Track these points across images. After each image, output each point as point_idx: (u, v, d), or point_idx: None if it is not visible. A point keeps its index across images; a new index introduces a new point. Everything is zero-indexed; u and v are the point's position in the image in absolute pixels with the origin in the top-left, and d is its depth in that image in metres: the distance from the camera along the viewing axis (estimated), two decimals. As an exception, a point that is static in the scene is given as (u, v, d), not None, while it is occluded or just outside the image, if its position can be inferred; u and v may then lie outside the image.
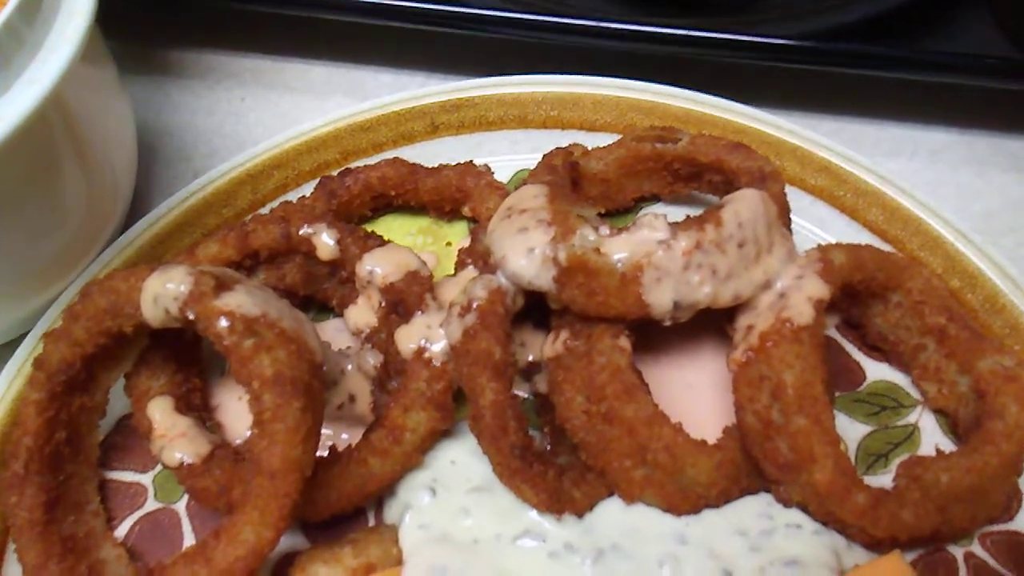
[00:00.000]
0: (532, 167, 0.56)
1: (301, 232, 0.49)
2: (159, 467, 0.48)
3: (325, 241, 0.49)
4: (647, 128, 0.55)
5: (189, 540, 0.46)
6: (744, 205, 0.45)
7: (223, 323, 0.40)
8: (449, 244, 0.56)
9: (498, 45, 0.65)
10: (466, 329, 0.44)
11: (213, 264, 0.49)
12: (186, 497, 0.47)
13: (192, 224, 0.54)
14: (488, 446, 0.42)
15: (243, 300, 0.41)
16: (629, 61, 0.62)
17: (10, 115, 0.41)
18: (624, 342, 0.45)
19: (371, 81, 0.67)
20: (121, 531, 0.47)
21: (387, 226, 0.57)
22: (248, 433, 0.48)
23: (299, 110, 0.66)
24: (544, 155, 0.54)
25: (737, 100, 0.59)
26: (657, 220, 0.45)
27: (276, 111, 0.66)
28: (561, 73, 0.61)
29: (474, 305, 0.44)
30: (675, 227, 0.44)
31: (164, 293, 0.41)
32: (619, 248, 0.43)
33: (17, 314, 0.51)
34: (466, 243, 0.55)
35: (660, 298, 0.43)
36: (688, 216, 0.46)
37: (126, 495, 0.48)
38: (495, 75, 0.61)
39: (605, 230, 0.45)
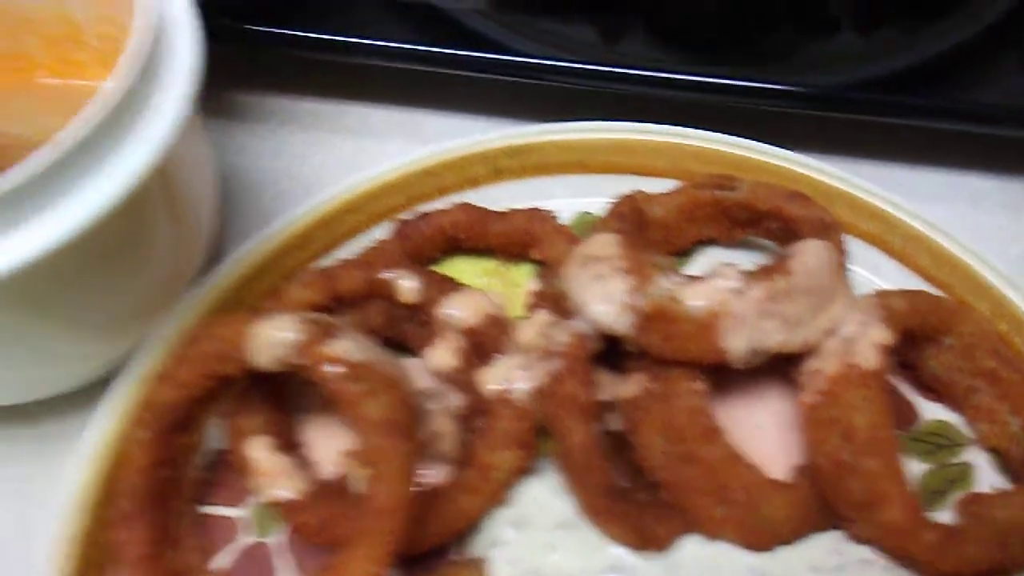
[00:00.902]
0: (590, 209, 0.60)
1: (383, 277, 0.52)
2: (251, 502, 0.50)
3: (406, 285, 0.52)
4: (706, 176, 0.58)
5: (281, 574, 0.49)
6: (811, 256, 0.48)
7: (332, 369, 0.42)
8: (517, 286, 0.58)
9: (553, 91, 0.68)
10: (552, 372, 0.46)
11: (301, 308, 0.51)
12: (279, 532, 0.49)
13: (270, 267, 0.56)
14: (577, 485, 0.45)
15: (349, 347, 0.43)
16: (680, 107, 0.65)
17: (123, 175, 0.43)
18: (700, 385, 0.47)
19: (430, 125, 0.70)
20: (215, 565, 0.49)
21: (456, 268, 0.59)
22: (334, 470, 0.51)
23: (362, 153, 0.68)
24: (612, 203, 0.56)
25: (781, 145, 0.61)
26: (729, 270, 0.47)
27: (340, 154, 0.68)
28: (614, 118, 0.64)
29: (559, 349, 0.47)
30: (747, 277, 0.47)
31: (275, 340, 0.43)
32: (696, 296, 0.46)
33: (103, 357, 0.53)
34: (534, 286, 0.57)
35: (736, 344, 0.46)
36: (754, 263, 0.49)
37: (220, 529, 0.50)
38: (551, 119, 0.64)
39: (680, 278, 0.48)
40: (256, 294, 0.56)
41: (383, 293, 0.52)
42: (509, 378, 0.49)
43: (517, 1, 0.69)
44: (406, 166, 0.60)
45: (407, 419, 0.42)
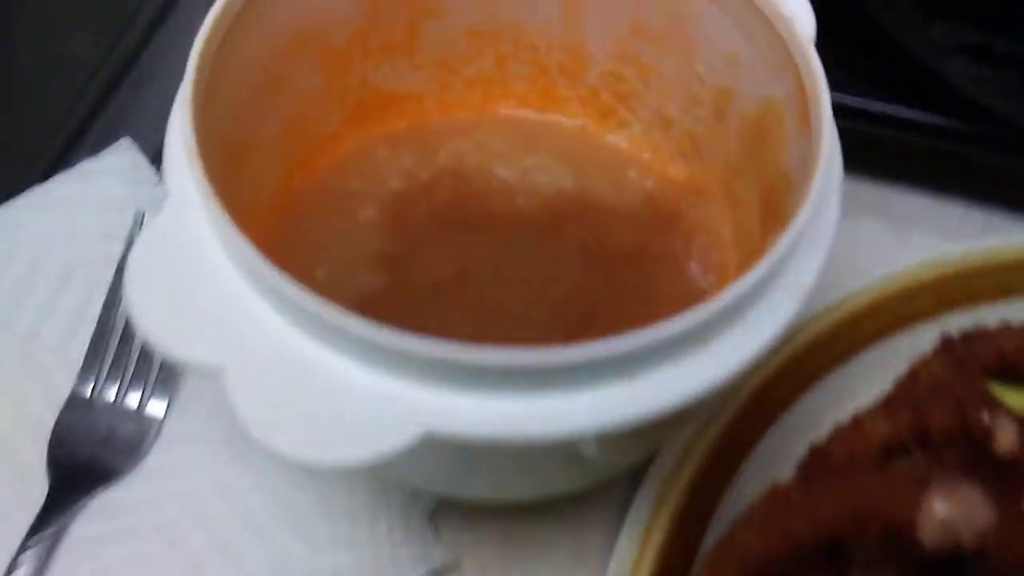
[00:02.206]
0: None
1: (981, 417, 0.43)
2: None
3: (1008, 434, 0.43)
4: None
5: None
6: None
7: (1049, 573, 0.34)
8: (1070, 429, 0.49)
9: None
10: None
11: (880, 443, 0.43)
12: None
13: (791, 371, 0.48)
14: None
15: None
16: None
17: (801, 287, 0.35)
18: None
19: (905, 204, 0.60)
20: None
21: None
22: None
23: (875, 240, 0.58)
24: None
25: None
26: None
27: (852, 236, 0.57)
28: None
29: None
30: None
31: (959, 520, 0.35)
32: None
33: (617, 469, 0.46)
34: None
35: None
36: None
37: None
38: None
39: None
40: (775, 402, 0.48)
41: (973, 435, 0.43)
42: None
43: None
44: (938, 265, 0.51)
45: None
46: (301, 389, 0.31)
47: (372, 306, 0.44)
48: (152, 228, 0.34)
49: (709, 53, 0.45)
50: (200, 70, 0.35)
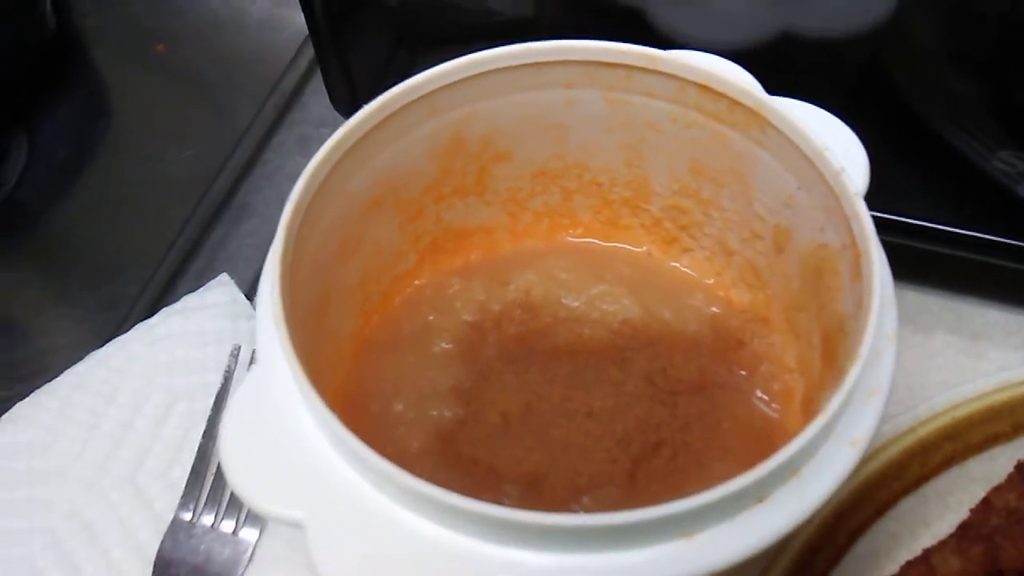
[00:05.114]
0: None
1: (1059, 556, 0.43)
2: None
3: (1087, 572, 0.42)
4: None
5: None
6: None
7: None
8: None
9: None
10: None
11: (953, 580, 0.43)
12: None
13: (867, 498, 0.49)
14: None
15: None
16: None
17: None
18: None
19: (978, 318, 0.60)
20: None
21: (1074, 522, 0.49)
22: None
23: (948, 355, 0.58)
24: None
25: None
26: None
27: (925, 351, 0.58)
28: None
29: None
30: None
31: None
32: None
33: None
34: None
35: None
36: None
37: None
38: None
39: None
40: (847, 532, 0.48)
41: (1050, 574, 0.43)
42: None
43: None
44: (1014, 386, 0.51)
45: None
46: (377, 545, 0.34)
47: (447, 440, 0.47)
48: (245, 389, 0.38)
49: (766, 194, 0.46)
50: (287, 242, 0.39)
